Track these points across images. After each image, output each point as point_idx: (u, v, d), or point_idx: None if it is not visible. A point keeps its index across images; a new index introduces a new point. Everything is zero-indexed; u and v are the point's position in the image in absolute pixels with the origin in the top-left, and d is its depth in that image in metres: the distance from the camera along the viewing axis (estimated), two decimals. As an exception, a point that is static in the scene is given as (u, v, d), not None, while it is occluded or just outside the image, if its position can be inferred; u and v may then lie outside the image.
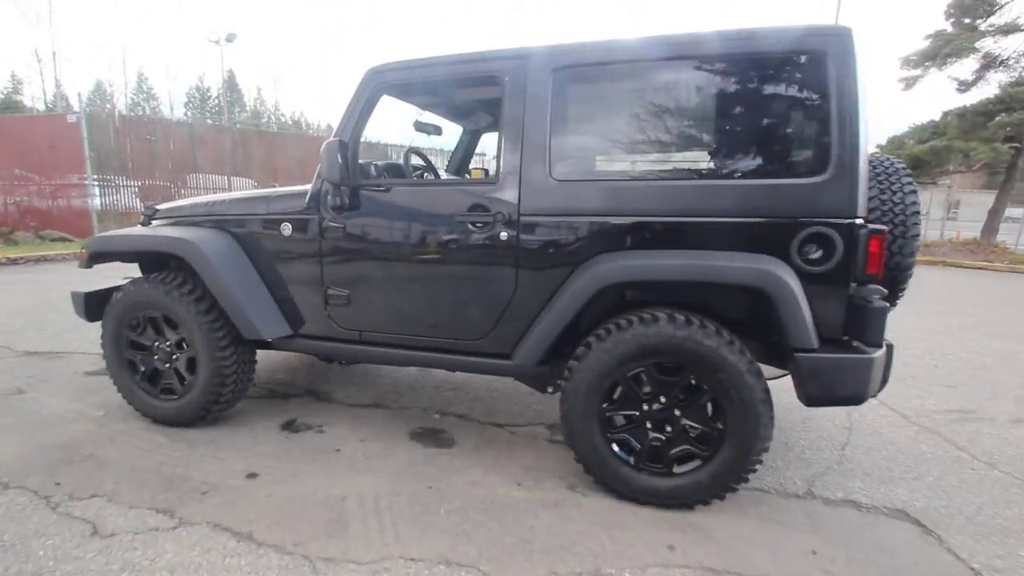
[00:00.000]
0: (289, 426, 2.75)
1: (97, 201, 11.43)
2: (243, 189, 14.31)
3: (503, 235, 2.13)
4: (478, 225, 2.17)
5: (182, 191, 12.62)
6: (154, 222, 2.94)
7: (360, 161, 2.46)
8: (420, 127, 3.11)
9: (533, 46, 2.10)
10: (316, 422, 2.80)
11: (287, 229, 2.48)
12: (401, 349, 2.42)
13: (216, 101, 43.73)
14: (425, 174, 3.39)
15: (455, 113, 3.29)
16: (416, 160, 3.31)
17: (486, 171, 4.13)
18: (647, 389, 2.00)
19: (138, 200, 12.03)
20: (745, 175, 1.95)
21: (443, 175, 3.60)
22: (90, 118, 11.23)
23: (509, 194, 2.13)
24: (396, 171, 2.99)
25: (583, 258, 2.06)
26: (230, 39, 26.18)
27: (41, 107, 30.97)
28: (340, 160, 2.20)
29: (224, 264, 2.48)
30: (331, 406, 3.03)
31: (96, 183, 11.33)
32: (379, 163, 2.93)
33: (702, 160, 2.12)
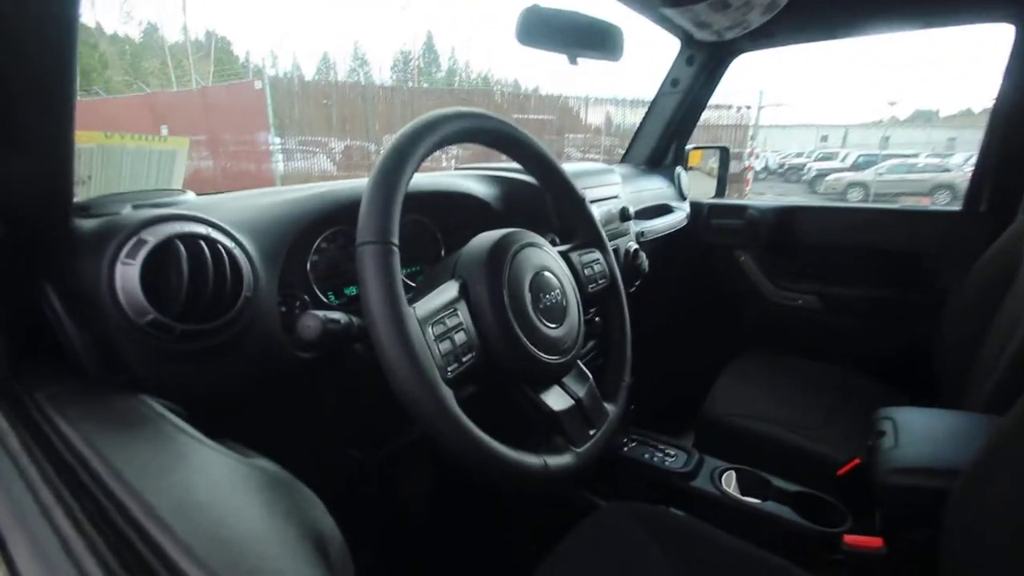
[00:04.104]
0: None
1: (280, 167, 11.81)
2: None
3: None
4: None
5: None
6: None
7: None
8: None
9: None
10: None
11: None
12: None
13: (417, 63, 46.12)
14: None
15: None
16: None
17: (724, 152, 2.03)
18: None
19: (333, 165, 12.07)
20: None
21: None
22: (273, 84, 11.46)
23: None
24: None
25: None
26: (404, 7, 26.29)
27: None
28: None
29: None
30: None
31: (280, 146, 11.65)
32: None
33: None
